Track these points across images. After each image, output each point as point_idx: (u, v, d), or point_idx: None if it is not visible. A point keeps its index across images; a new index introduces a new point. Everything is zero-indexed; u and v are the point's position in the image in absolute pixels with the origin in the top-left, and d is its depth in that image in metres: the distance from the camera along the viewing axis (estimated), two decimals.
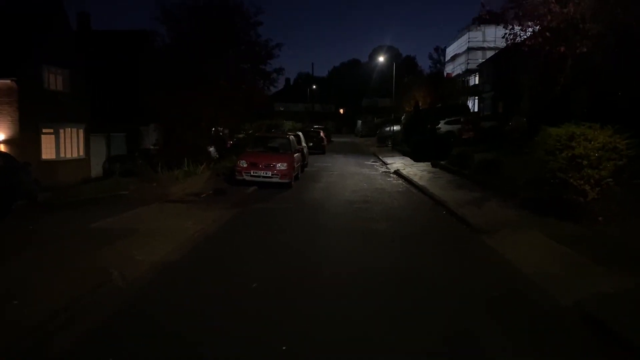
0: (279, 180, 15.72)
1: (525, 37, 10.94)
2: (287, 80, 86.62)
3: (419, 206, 12.90)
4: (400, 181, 18.66)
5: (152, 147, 26.89)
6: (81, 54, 27.88)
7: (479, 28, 57.10)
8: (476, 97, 52.65)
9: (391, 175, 20.90)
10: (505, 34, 11.41)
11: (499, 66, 42.77)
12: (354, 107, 79.10)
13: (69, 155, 25.94)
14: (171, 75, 19.19)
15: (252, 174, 15.72)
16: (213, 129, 24.94)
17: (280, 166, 15.74)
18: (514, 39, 11.22)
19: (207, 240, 8.82)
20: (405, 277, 6.77)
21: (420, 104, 41.14)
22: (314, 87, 67.78)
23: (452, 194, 13.84)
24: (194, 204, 12.34)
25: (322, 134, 35.83)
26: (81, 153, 27.22)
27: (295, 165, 17.03)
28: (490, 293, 6.06)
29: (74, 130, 26.54)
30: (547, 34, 9.35)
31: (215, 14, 19.50)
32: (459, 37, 60.42)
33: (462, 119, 30.30)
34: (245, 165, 15.82)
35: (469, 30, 56.87)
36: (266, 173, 15.68)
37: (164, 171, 14.99)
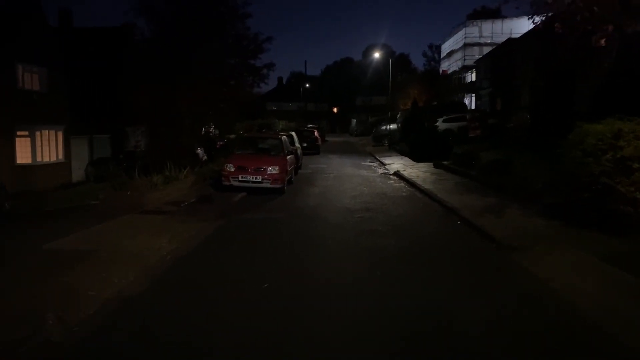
0: (270, 186, 14.20)
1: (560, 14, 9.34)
2: (280, 79, 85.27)
3: (427, 215, 11.39)
4: (402, 184, 17.18)
5: (134, 149, 25.30)
6: (61, 52, 26.26)
7: (475, 23, 55.98)
8: (473, 94, 51.41)
9: (391, 177, 19.43)
10: (532, 16, 9.83)
11: (497, 62, 41.54)
12: (348, 105, 77.58)
13: (46, 159, 24.25)
14: (151, 71, 17.61)
15: (240, 179, 14.18)
16: (203, 129, 23.44)
17: (272, 170, 14.22)
18: (545, 19, 9.68)
19: (179, 265, 7.26)
20: (430, 321, 5.25)
21: (417, 103, 39.71)
22: (307, 85, 66.33)
23: (463, 199, 12.37)
24: (172, 215, 10.79)
25: (316, 133, 34.33)
26: (60, 156, 25.54)
27: (288, 169, 15.51)
28: (545, 341, 4.56)
29: (52, 132, 24.85)
30: (595, 8, 7.86)
31: (199, 3, 17.94)
32: (455, 33, 59.12)
33: (467, 116, 28.95)
34: (232, 170, 14.27)
35: (465, 26, 55.60)
36: (256, 178, 14.14)
37: (141, 176, 13.41)
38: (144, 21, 18.40)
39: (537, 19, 9.75)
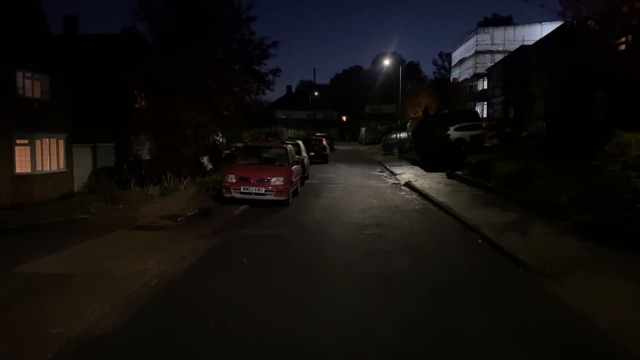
0: (274, 198, 13.34)
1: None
2: (289, 87, 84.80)
3: (444, 232, 10.41)
4: (414, 195, 16.24)
5: (138, 158, 24.61)
6: (64, 59, 25.69)
7: (487, 30, 55.09)
8: (485, 103, 50.40)
9: (402, 188, 18.50)
10: (565, 10, 8.87)
11: (510, 69, 40.59)
12: (357, 114, 76.80)
13: (47, 169, 23.55)
14: (152, 79, 16.87)
15: (242, 190, 13.33)
16: (210, 137, 22.74)
17: (276, 181, 13.36)
18: (578, 16, 8.73)
19: (164, 293, 6.38)
20: None
21: (428, 111, 38.78)
22: (316, 94, 65.63)
23: (482, 214, 11.41)
24: (166, 230, 9.94)
25: (324, 142, 33.50)
26: (62, 166, 24.85)
27: (294, 179, 14.64)
28: None
29: (53, 140, 24.19)
30: None
31: (201, 7, 17.19)
32: (466, 41, 58.29)
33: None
34: (233, 181, 13.43)
35: (476, 33, 54.75)
36: (259, 189, 13.29)
37: (136, 187, 12.59)
38: (145, 27, 17.72)
39: (569, 16, 8.80)
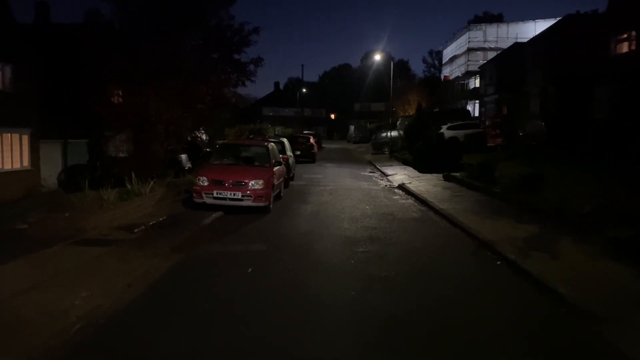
0: (252, 204, 11.60)
1: None
2: (277, 84, 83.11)
3: (452, 249, 8.70)
4: (410, 200, 14.61)
5: (106, 155, 22.67)
6: (30, 48, 23.67)
7: (479, 27, 53.77)
8: (477, 101, 49.09)
9: (396, 191, 16.86)
10: None
11: (503, 67, 39.32)
12: (345, 112, 75.20)
13: (8, 166, 21.55)
14: (117, 67, 15.03)
15: (215, 195, 11.57)
16: (191, 134, 20.97)
17: (254, 184, 11.62)
18: None
19: (87, 346, 4.63)
20: None
21: (422, 108, 37.36)
22: (304, 91, 63.95)
23: (494, 225, 9.76)
24: (116, 247, 8.14)
25: (312, 140, 31.80)
26: (25, 163, 22.85)
27: (276, 182, 12.89)
28: None
29: (16, 135, 22.17)
30: None
31: None
32: (458, 38, 56.98)
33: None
34: (205, 184, 11.65)
35: (469, 30, 53.41)
36: (234, 194, 11.53)
37: (89, 191, 10.77)
38: (110, 9, 15.88)
39: None
